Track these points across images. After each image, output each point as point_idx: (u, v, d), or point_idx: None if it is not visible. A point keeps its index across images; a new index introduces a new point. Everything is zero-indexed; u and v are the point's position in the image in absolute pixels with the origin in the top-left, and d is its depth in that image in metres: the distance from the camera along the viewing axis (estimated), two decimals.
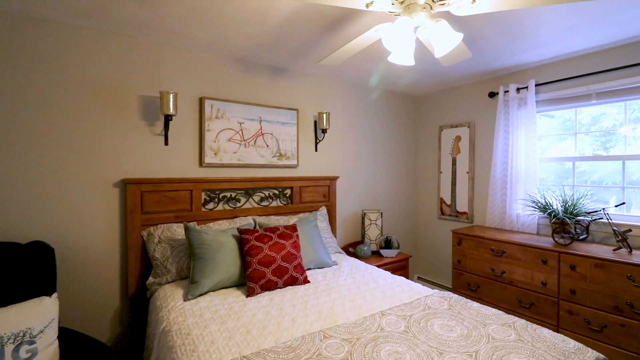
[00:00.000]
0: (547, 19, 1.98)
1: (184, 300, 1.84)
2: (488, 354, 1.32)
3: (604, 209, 2.31)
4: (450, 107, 3.60)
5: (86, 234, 2.10)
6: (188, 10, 1.86)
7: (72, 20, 1.98)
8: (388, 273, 2.35)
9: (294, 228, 2.26)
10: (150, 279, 2.11)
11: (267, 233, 2.13)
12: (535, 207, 2.57)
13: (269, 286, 1.98)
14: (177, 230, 2.24)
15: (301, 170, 3.04)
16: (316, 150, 3.14)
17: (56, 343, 1.52)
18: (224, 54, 2.57)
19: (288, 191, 2.91)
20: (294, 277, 2.06)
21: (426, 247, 3.89)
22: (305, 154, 3.07)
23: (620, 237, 2.15)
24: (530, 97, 2.76)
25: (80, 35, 2.07)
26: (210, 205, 2.52)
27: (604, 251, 2.16)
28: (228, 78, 2.63)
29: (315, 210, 2.99)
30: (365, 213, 3.29)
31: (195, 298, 1.87)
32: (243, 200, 2.67)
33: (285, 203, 2.89)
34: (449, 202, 3.60)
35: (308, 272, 2.31)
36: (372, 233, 3.27)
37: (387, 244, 3.28)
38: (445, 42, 1.43)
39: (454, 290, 2.93)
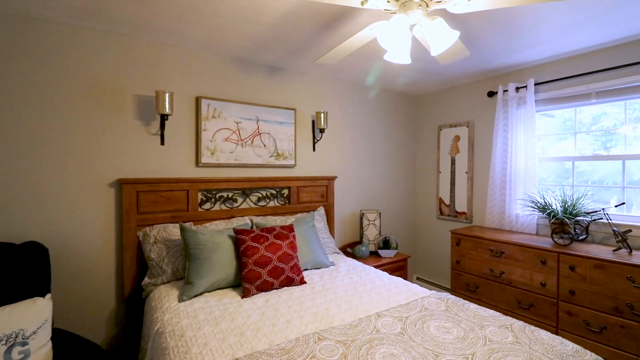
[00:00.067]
0: (545, 17, 1.96)
1: (179, 301, 1.82)
2: (484, 357, 1.30)
3: (603, 209, 2.29)
4: (449, 106, 3.58)
5: (81, 234, 2.09)
6: (183, 8, 1.85)
7: (69, 19, 1.97)
8: (385, 274, 2.33)
9: (290, 228, 2.25)
10: (146, 280, 2.09)
11: (263, 233, 2.12)
12: (534, 207, 2.55)
13: (265, 287, 1.96)
14: (173, 231, 2.23)
15: (299, 170, 3.03)
16: (314, 150, 3.12)
17: (49, 344, 1.51)
18: (221, 53, 2.56)
19: (285, 191, 2.90)
20: (290, 277, 2.05)
21: (425, 248, 3.87)
22: (302, 153, 3.05)
23: (620, 238, 2.12)
24: (530, 97, 2.74)
25: (77, 35, 2.06)
26: (207, 206, 2.51)
27: (603, 252, 2.14)
28: (225, 77, 2.61)
29: (313, 211, 2.98)
30: (363, 213, 3.27)
31: (190, 299, 1.85)
32: (240, 200, 2.66)
33: (282, 203, 2.87)
34: (447, 202, 3.57)
35: (305, 273, 2.30)
36: (371, 233, 3.25)
37: (386, 244, 3.26)
38: (441, 40, 1.42)
39: (452, 290, 2.91)
